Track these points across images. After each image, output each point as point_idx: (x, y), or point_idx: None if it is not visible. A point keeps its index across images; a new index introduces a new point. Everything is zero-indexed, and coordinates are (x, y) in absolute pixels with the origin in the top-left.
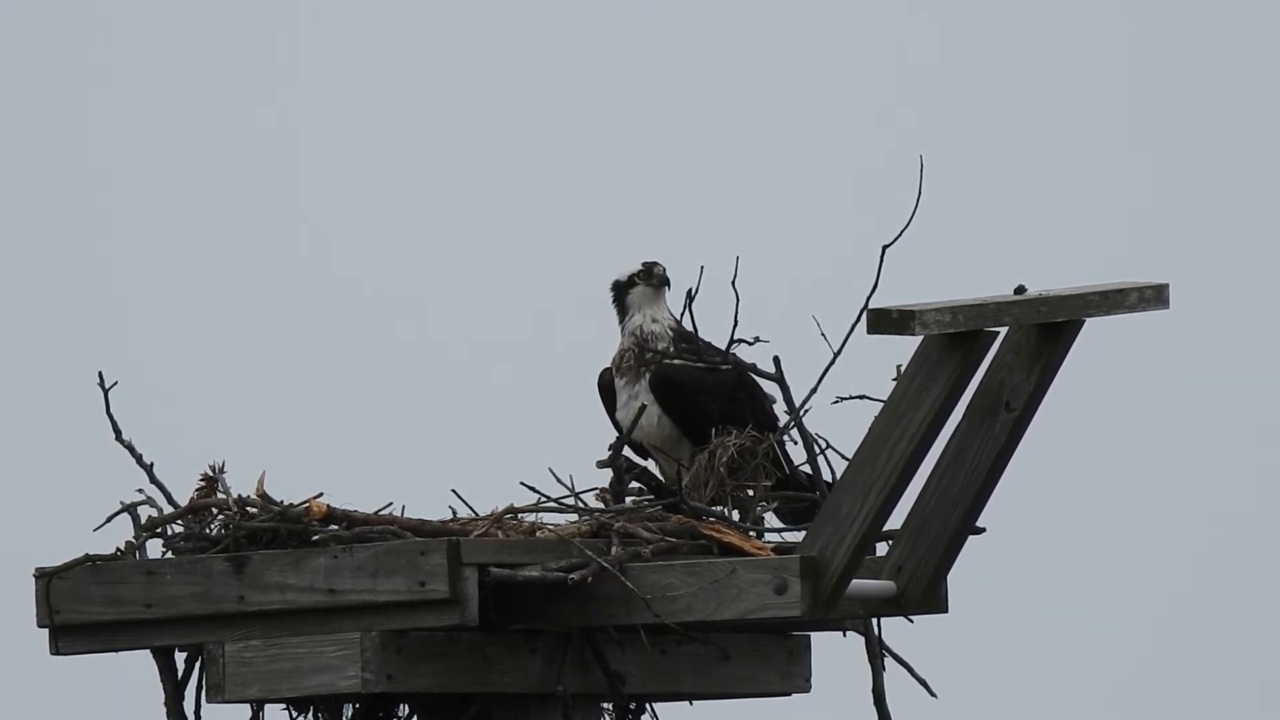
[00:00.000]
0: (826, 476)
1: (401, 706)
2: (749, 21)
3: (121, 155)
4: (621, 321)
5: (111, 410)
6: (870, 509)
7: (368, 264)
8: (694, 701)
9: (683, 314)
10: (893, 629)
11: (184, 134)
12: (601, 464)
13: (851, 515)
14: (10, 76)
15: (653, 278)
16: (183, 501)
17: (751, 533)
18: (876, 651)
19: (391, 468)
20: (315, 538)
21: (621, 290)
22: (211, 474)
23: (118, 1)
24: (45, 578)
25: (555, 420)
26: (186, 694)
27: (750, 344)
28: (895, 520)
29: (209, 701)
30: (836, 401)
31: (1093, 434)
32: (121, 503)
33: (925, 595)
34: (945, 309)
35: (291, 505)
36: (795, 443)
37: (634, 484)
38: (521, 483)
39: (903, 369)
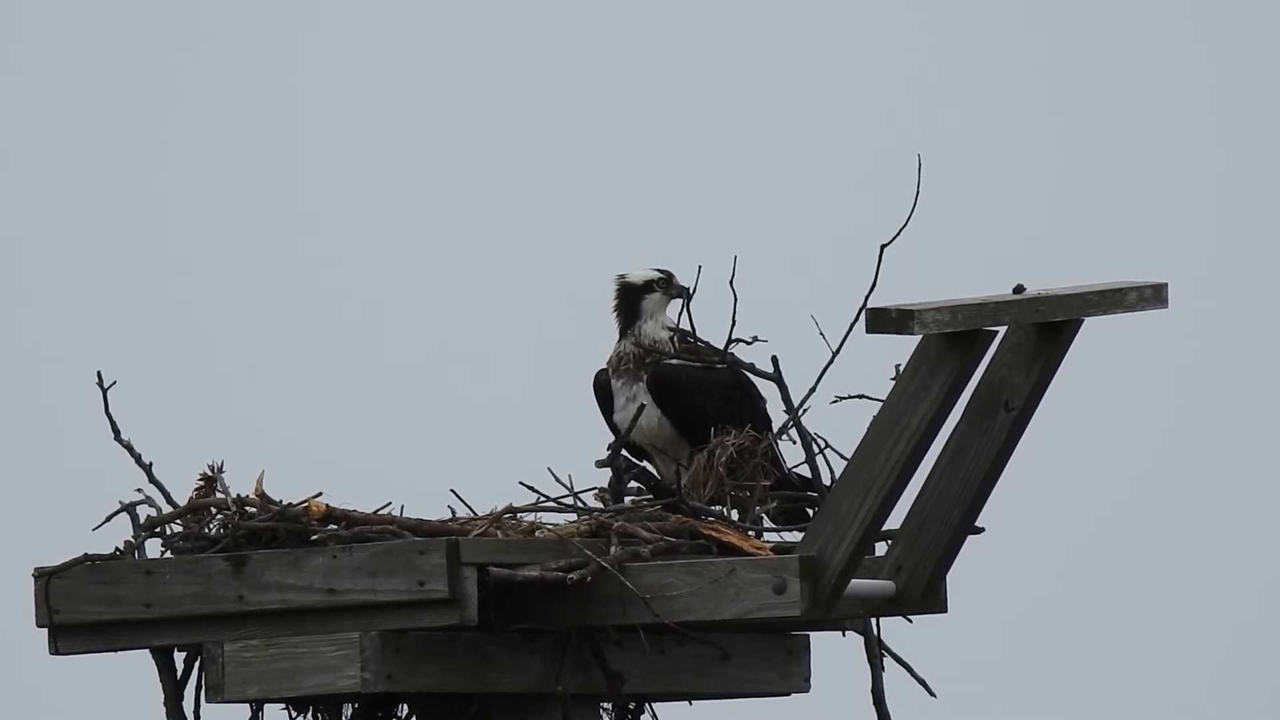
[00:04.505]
0: (825, 476)
1: (401, 706)
2: (750, 20)
3: (121, 156)
4: (626, 323)
5: (111, 410)
6: (869, 508)
7: (367, 264)
8: (693, 701)
9: (681, 313)
10: (892, 629)
11: (184, 135)
12: (601, 464)
13: (851, 515)
14: (10, 76)
15: (672, 288)
16: (182, 501)
17: (751, 532)
18: (876, 651)
19: (391, 467)
20: (314, 537)
21: (633, 293)
22: (210, 474)
23: (118, 2)
24: (44, 577)
25: (554, 420)
26: (186, 694)
27: (749, 343)
28: (894, 520)
29: (208, 701)
30: (835, 401)
31: (1092, 434)
32: (121, 502)
33: (924, 595)
34: (944, 308)
35: (291, 505)
36: (794, 442)
37: (633, 484)
38: (521, 483)
39: (902, 368)
